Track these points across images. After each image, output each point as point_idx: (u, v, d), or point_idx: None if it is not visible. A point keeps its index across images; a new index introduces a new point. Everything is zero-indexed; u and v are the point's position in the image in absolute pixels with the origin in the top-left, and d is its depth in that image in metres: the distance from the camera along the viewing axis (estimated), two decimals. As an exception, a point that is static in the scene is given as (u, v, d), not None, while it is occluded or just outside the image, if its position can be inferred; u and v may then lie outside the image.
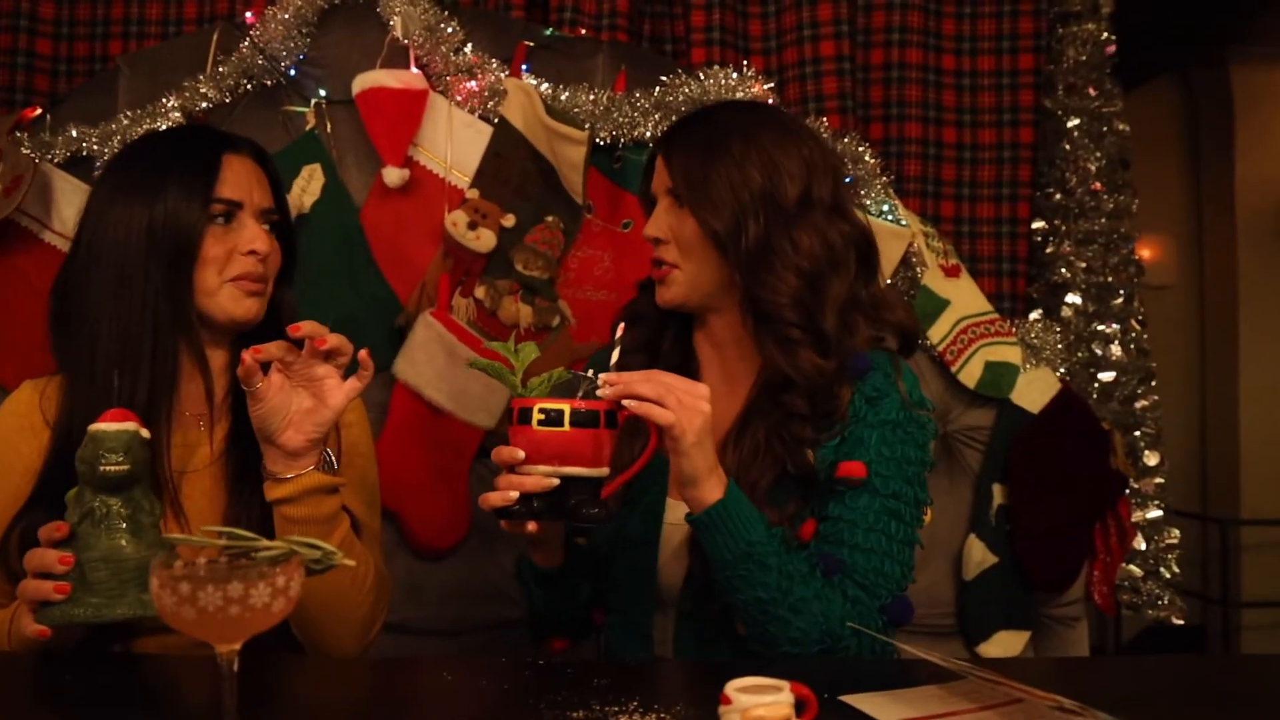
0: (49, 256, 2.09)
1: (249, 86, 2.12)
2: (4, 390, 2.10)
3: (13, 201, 2.01)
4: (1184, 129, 4.44)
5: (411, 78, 2.07)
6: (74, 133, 2.09)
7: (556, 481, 1.19)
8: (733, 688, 0.89)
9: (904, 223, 2.07)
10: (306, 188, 2.08)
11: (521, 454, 1.19)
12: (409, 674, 1.24)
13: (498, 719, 0.97)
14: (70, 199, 2.08)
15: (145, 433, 1.18)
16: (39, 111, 2.17)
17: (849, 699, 1.02)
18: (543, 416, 1.18)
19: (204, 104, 2.09)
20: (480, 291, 2.03)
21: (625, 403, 1.21)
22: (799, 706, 0.89)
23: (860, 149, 2.13)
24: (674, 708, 0.99)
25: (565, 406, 1.18)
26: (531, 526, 1.24)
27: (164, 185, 1.40)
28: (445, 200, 2.06)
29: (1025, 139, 2.48)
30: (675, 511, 1.42)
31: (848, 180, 2.07)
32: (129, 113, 2.09)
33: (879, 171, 2.12)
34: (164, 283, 1.38)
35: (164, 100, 2.09)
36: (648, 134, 2.06)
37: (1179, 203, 4.41)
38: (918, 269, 2.06)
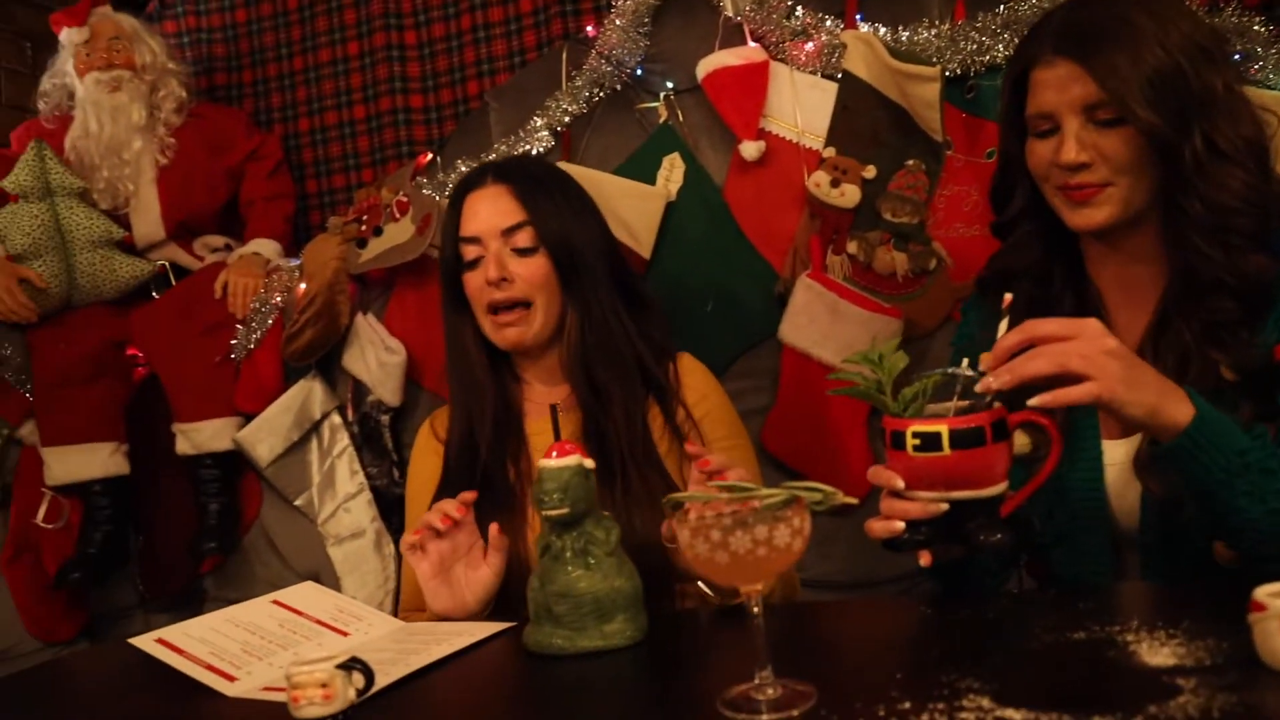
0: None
1: (601, 94, 2.27)
2: (437, 398, 2.39)
3: (425, 239, 2.28)
4: None
5: (750, 52, 2.12)
6: (463, 169, 2.33)
7: (945, 507, 1.05)
8: (1264, 593, 0.84)
9: (1311, 92, 1.84)
10: (670, 176, 2.19)
11: (900, 483, 1.06)
12: (874, 614, 1.27)
13: (1002, 645, 0.98)
14: (469, 230, 2.33)
15: (589, 463, 1.15)
16: (430, 156, 2.45)
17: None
18: (918, 442, 1.02)
19: (566, 118, 2.27)
20: (852, 247, 2.05)
21: (1032, 402, 1.05)
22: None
23: (1243, 19, 1.92)
24: (1181, 624, 0.96)
25: (943, 428, 1.01)
26: (925, 560, 1.10)
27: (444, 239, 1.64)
28: (802, 164, 2.10)
29: None
30: (1113, 452, 1.33)
31: (1236, 57, 1.88)
32: (505, 139, 2.31)
33: (1271, 41, 1.90)
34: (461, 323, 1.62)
35: (532, 122, 2.28)
36: (1000, 58, 1.98)
37: None
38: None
